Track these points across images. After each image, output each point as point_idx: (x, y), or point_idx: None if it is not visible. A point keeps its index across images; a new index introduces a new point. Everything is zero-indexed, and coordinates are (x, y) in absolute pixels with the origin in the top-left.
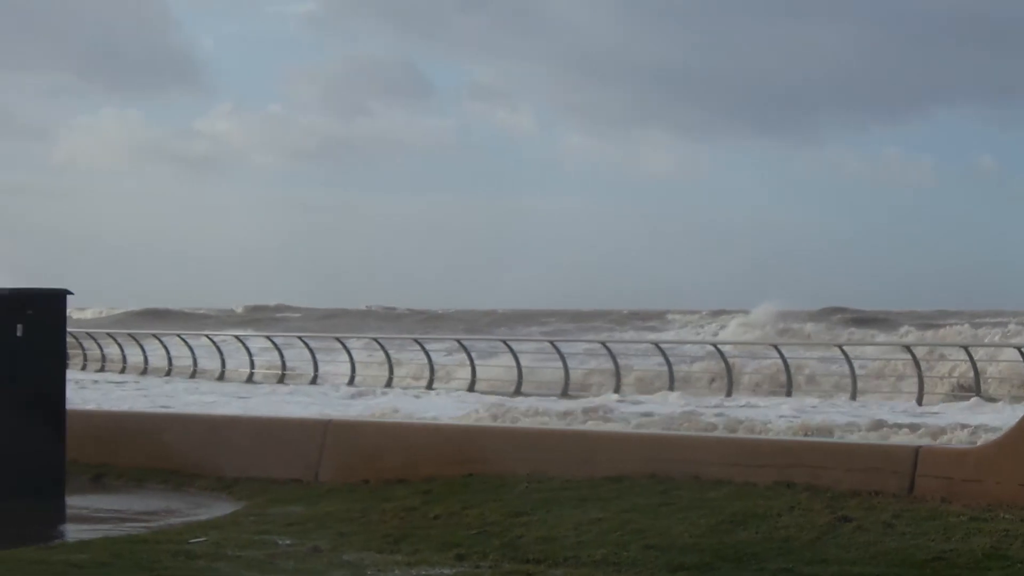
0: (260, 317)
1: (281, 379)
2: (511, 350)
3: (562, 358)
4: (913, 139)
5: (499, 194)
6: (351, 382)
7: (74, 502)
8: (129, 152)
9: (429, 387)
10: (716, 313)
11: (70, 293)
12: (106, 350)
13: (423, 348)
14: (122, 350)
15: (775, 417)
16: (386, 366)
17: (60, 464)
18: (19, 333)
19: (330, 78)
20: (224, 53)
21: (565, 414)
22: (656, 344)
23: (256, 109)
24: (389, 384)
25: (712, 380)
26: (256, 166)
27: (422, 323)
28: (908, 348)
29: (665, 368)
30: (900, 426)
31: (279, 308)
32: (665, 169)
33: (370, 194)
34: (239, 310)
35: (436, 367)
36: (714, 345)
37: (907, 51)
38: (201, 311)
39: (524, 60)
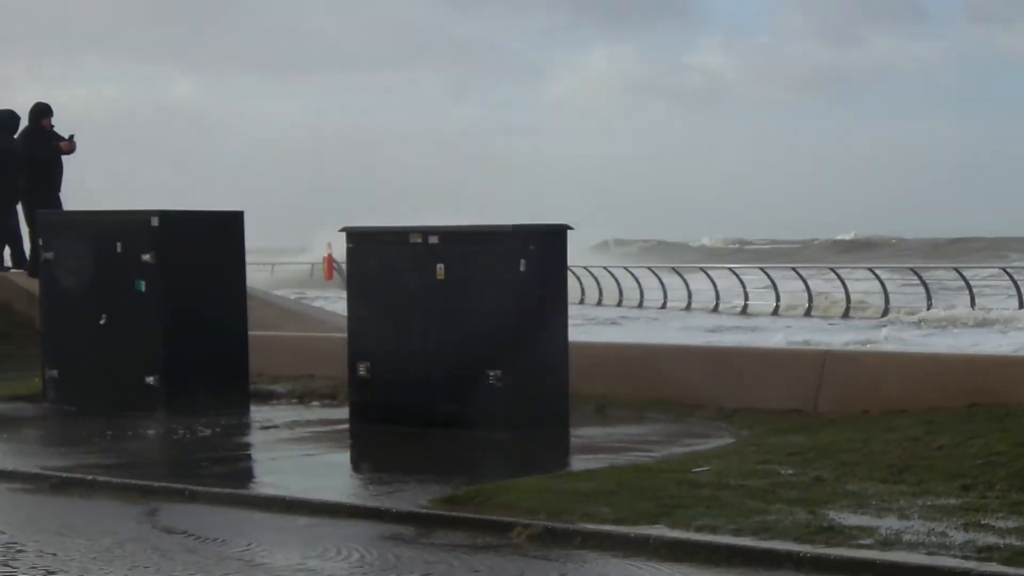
0: (739, 249)
1: (775, 311)
2: (1011, 279)
3: None
4: None
5: (997, 119)
6: (846, 314)
7: (578, 432)
8: (620, 89)
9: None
10: None
11: (570, 228)
12: (623, 284)
13: (921, 282)
14: (639, 285)
15: None
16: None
17: (564, 395)
18: (522, 268)
19: (819, 5)
20: None
21: None
22: None
23: (746, 41)
24: (885, 313)
25: None
26: (748, 98)
27: (922, 252)
28: None
29: None
30: None
31: (758, 241)
32: None
33: (863, 123)
34: (708, 241)
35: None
36: None
37: None
38: (697, 244)
39: None
